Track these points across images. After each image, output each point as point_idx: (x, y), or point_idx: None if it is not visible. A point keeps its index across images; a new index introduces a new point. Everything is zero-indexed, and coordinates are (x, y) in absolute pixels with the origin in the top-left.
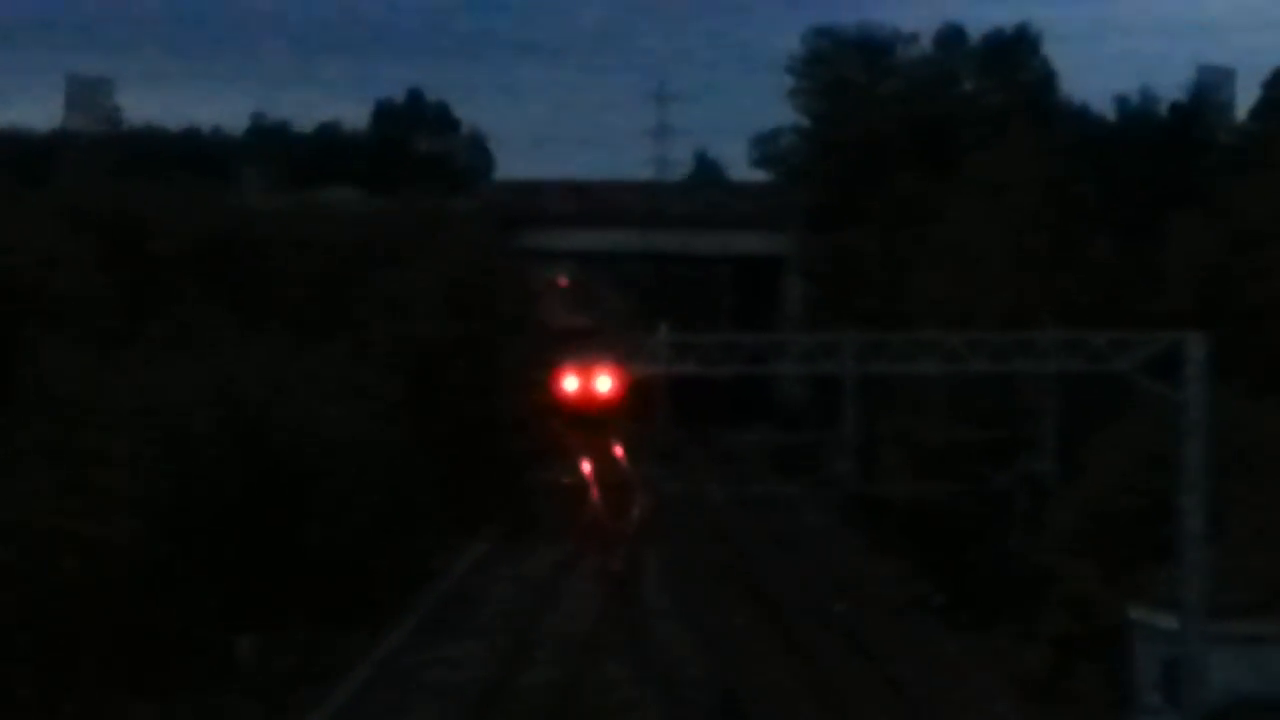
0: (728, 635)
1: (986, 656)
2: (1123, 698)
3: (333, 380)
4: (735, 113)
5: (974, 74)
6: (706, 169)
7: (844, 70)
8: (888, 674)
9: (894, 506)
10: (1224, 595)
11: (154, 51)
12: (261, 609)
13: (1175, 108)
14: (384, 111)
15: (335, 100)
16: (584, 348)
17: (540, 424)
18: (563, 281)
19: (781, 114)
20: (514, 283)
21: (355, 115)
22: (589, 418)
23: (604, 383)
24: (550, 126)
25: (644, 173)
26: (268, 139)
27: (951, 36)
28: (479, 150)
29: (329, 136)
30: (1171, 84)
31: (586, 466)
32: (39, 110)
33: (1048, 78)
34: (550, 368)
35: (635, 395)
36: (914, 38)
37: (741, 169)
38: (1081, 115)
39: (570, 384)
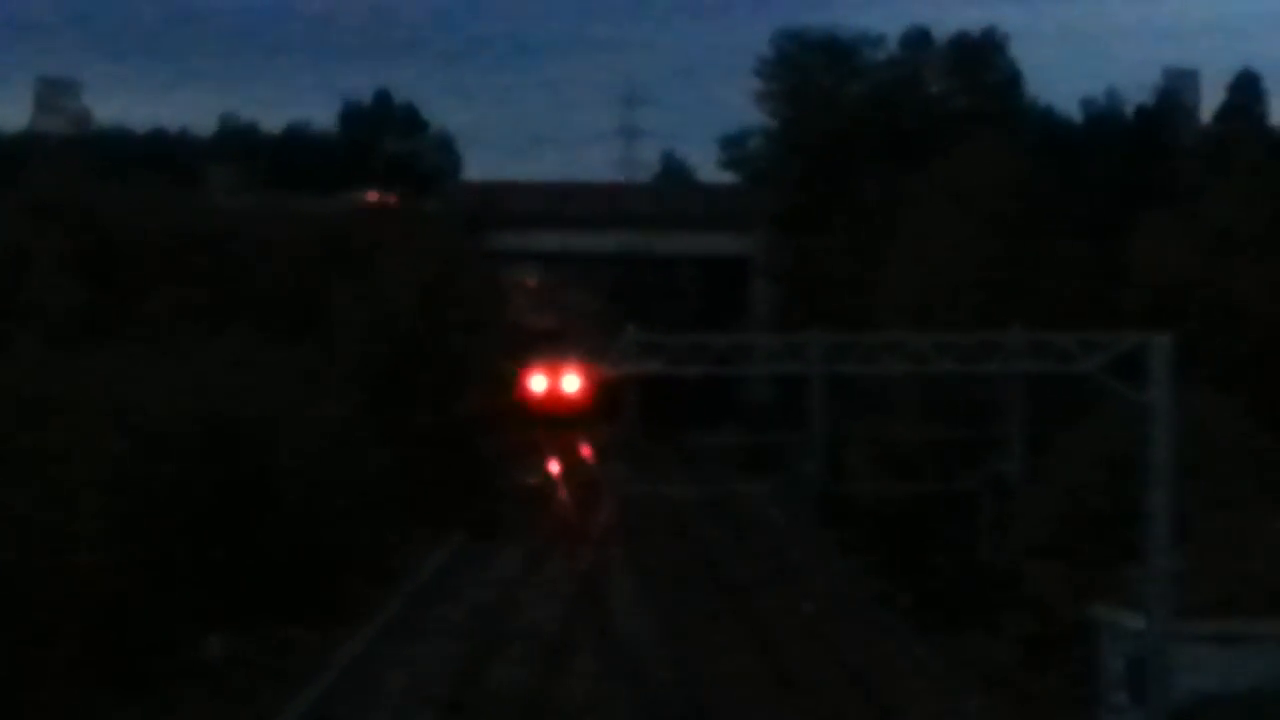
0: (694, 633)
1: (954, 655)
2: (1090, 696)
3: (301, 380)
4: (703, 115)
5: (940, 76)
6: (674, 171)
7: (811, 73)
8: (855, 672)
9: (861, 506)
10: (1190, 594)
11: (123, 53)
12: (230, 607)
13: (1141, 110)
14: (352, 113)
15: (303, 101)
16: (552, 348)
17: (509, 424)
18: (530, 282)
19: (749, 116)
20: (483, 283)
21: (323, 116)
22: (557, 417)
23: (572, 383)
24: (518, 128)
25: (612, 174)
26: (235, 140)
27: (918, 39)
28: (447, 151)
29: (297, 138)
30: (1137, 86)
31: (554, 466)
32: (8, 112)
33: (1014, 80)
34: (518, 368)
35: (603, 395)
36: (880, 40)
37: (710, 171)
38: (1048, 117)
39: (538, 384)
